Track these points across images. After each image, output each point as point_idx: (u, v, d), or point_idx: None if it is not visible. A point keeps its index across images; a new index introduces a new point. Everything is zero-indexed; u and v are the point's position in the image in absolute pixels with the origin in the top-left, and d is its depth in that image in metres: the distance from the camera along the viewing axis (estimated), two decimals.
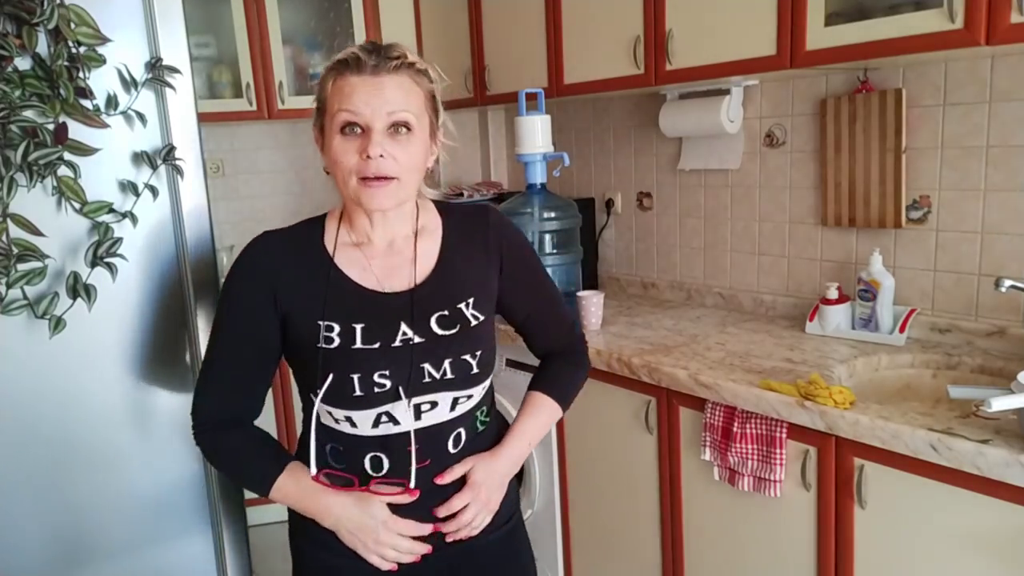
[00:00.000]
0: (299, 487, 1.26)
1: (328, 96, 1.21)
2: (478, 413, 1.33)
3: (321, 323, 1.23)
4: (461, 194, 3.25)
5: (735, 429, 1.79)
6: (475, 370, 1.27)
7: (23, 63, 1.37)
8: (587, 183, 3.06)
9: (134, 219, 1.50)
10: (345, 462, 1.27)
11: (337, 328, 1.23)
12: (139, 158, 1.51)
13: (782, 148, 2.35)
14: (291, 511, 1.33)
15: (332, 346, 1.22)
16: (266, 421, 1.34)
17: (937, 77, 1.96)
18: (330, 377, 1.21)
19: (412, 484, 1.22)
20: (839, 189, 2.18)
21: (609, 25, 2.37)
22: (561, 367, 1.46)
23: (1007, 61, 1.83)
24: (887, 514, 1.58)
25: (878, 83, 2.07)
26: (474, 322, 1.28)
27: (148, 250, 1.54)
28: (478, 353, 1.27)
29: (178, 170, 1.54)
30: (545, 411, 1.41)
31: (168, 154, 1.52)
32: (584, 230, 2.66)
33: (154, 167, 1.51)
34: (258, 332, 1.26)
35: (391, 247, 1.29)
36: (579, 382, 1.48)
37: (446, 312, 1.26)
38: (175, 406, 1.60)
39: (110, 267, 1.46)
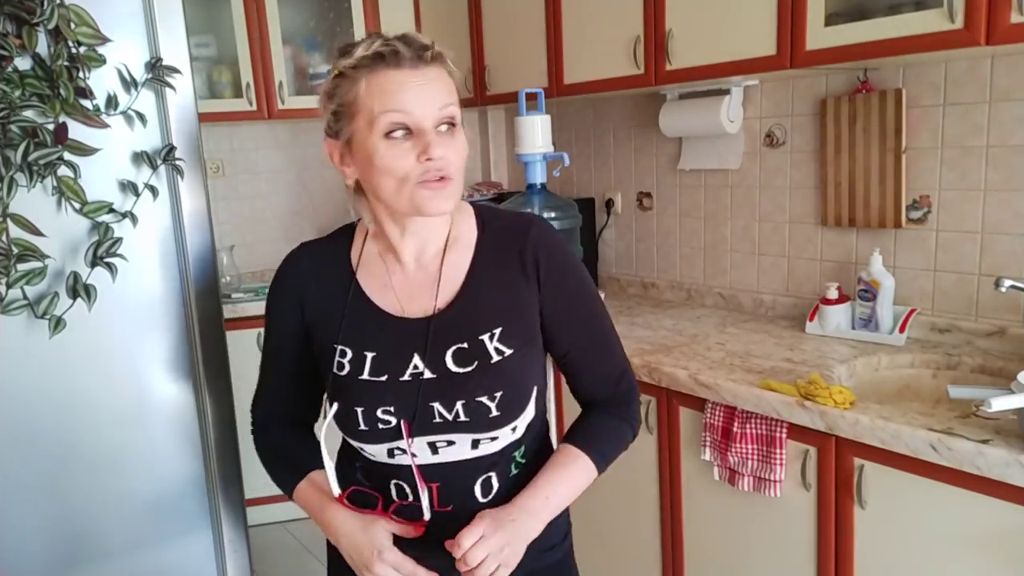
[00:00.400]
0: (315, 498, 1.21)
1: (360, 98, 1.06)
2: (515, 454, 1.19)
3: (336, 347, 1.17)
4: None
5: (735, 429, 1.79)
6: (494, 413, 1.12)
7: (23, 63, 1.37)
8: (587, 183, 3.06)
9: (134, 219, 1.50)
10: (373, 483, 1.21)
11: (350, 354, 1.16)
12: (139, 158, 1.50)
13: (782, 148, 2.35)
14: None
15: (342, 373, 1.16)
16: None
17: (937, 77, 1.96)
18: (335, 406, 1.16)
19: (427, 516, 1.12)
20: (839, 189, 2.18)
21: (609, 25, 2.37)
22: (600, 419, 1.25)
23: (1007, 61, 1.83)
24: (887, 514, 1.57)
25: (878, 83, 2.07)
26: (496, 358, 1.13)
27: (148, 250, 1.54)
28: (497, 394, 1.12)
29: (178, 170, 1.53)
30: (572, 465, 1.19)
31: (168, 154, 1.52)
32: (584, 230, 2.66)
33: (154, 167, 1.51)
34: (293, 344, 1.24)
35: (418, 262, 1.18)
36: (623, 440, 1.25)
37: (465, 345, 1.14)
38: (175, 406, 1.60)
39: (110, 267, 1.46)
